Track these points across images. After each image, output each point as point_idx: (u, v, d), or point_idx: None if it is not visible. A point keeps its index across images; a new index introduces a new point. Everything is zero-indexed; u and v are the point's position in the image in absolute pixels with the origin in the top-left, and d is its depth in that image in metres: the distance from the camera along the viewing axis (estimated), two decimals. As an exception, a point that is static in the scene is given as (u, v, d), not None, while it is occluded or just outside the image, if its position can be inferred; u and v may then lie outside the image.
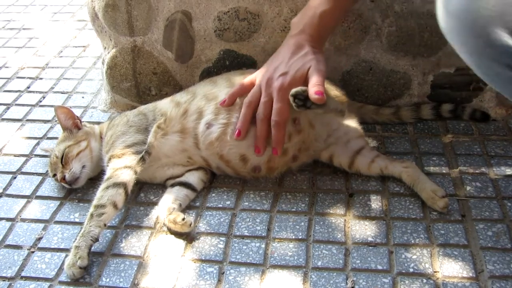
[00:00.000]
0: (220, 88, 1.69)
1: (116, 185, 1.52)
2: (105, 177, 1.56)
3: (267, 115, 1.54)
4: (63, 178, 1.63)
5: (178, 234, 1.50)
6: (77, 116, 1.77)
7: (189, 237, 1.49)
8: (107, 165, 1.61)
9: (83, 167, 1.66)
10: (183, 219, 1.48)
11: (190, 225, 1.49)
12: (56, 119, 1.85)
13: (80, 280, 1.39)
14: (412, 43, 1.81)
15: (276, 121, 1.53)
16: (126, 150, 1.60)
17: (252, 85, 1.60)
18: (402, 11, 1.76)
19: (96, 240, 1.44)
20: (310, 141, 1.65)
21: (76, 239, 1.44)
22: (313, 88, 1.45)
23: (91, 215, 1.46)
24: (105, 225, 1.47)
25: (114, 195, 1.50)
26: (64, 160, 1.64)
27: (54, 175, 1.68)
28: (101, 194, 1.50)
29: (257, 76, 1.62)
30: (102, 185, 1.53)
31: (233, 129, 1.59)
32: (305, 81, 1.51)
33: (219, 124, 1.61)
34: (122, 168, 1.56)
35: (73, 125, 1.74)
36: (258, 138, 1.58)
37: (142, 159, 1.59)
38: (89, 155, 1.68)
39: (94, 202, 1.49)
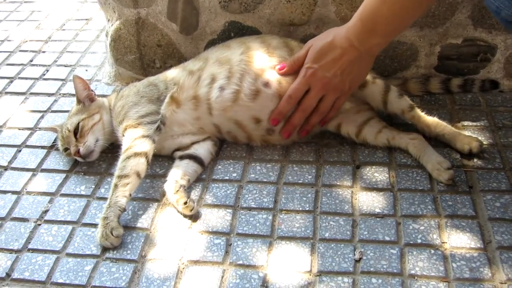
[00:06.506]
0: (234, 51, 1.67)
1: (137, 154, 1.51)
2: (124, 147, 1.55)
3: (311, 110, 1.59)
4: (77, 152, 1.61)
5: (182, 215, 1.49)
6: (91, 88, 1.75)
7: (192, 217, 1.48)
8: (123, 135, 1.60)
9: (97, 140, 1.65)
10: (185, 203, 1.46)
11: (192, 210, 1.47)
12: (71, 90, 1.74)
13: (87, 252, 1.40)
14: (420, 13, 1.78)
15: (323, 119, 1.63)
16: (141, 120, 1.59)
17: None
18: (410, -20, 1.74)
19: (124, 210, 1.45)
20: None
21: (103, 211, 1.43)
22: None
23: (115, 185, 1.46)
24: (130, 195, 1.47)
25: (136, 164, 1.50)
26: (79, 133, 1.62)
27: (66, 150, 1.66)
28: (123, 165, 1.50)
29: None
30: (122, 156, 1.52)
31: (246, 93, 1.59)
32: None
33: (232, 87, 1.60)
34: (140, 137, 1.55)
35: (87, 96, 1.72)
36: (289, 123, 1.61)
37: (158, 129, 1.58)
38: (102, 129, 1.67)
39: (117, 172, 1.49)
